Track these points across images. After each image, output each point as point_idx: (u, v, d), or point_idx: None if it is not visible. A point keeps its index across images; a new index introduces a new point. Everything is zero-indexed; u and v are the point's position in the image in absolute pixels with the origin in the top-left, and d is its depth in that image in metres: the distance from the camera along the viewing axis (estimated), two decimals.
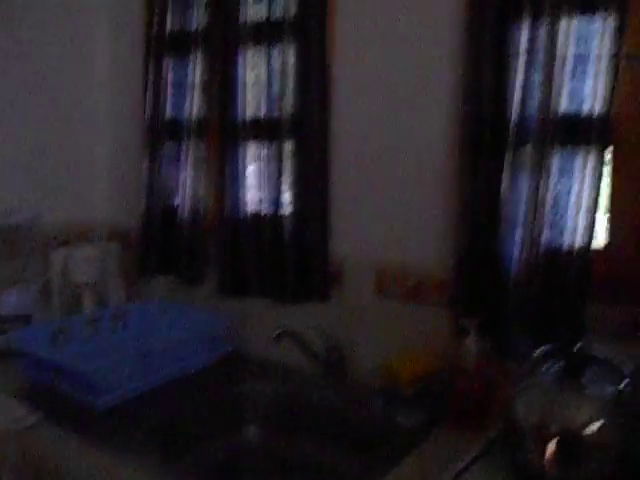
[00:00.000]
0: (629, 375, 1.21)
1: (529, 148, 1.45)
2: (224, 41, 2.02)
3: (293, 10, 1.87)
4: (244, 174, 2.01)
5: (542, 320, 1.47)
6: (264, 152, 1.98)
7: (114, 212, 2.50)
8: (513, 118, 1.48)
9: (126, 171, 2.41)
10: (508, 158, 1.48)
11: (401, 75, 1.71)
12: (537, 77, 1.45)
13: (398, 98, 1.72)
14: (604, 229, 1.50)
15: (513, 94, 1.47)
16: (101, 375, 1.56)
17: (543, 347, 1.34)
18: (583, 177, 1.42)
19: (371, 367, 1.73)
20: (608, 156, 1.45)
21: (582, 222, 1.44)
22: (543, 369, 1.27)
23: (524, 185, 1.47)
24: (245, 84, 1.99)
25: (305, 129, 1.85)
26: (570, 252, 1.45)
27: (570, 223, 1.45)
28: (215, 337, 1.96)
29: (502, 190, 1.49)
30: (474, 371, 1.53)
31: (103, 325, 1.98)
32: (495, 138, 1.50)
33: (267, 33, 1.93)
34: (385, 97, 1.75)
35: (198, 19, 2.12)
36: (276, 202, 1.95)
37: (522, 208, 1.48)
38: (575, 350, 1.27)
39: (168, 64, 2.20)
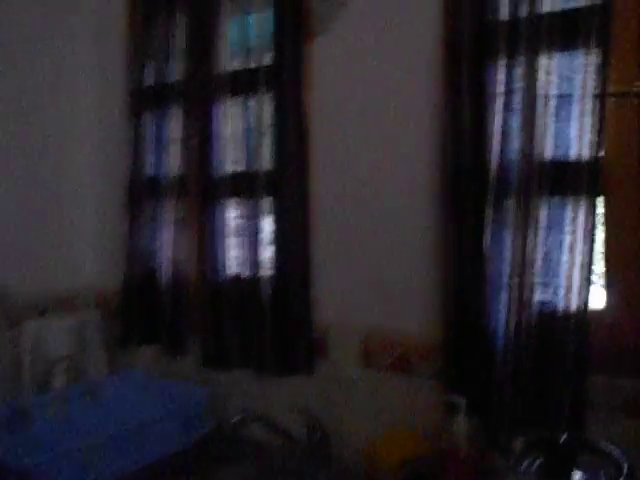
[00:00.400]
0: (626, 468, 1.10)
1: (513, 199, 1.39)
2: (202, 93, 2.02)
3: (268, 59, 1.86)
4: (224, 234, 1.99)
5: (535, 397, 1.37)
6: (243, 210, 1.95)
7: (98, 277, 2.48)
8: (493, 167, 1.42)
9: (110, 233, 2.40)
10: (490, 211, 1.42)
11: (381, 127, 1.70)
12: (517, 120, 1.41)
13: (378, 152, 1.71)
14: (602, 288, 1.41)
15: (492, 140, 1.41)
16: (40, 470, 1.49)
17: (526, 437, 1.23)
18: (574, 230, 1.36)
19: (356, 448, 1.65)
20: (600, 206, 1.37)
21: (577, 280, 1.37)
22: (526, 464, 1.17)
23: (509, 241, 1.40)
24: (223, 138, 1.98)
25: (283, 186, 1.83)
26: (565, 316, 1.38)
27: (564, 282, 1.38)
28: (194, 415, 1.90)
29: (485, 248, 1.41)
30: (464, 456, 1.44)
31: (72, 404, 1.94)
32: (476, 190, 1.44)
33: (243, 84, 1.92)
34: (365, 151, 1.74)
35: (177, 71, 2.12)
36: (256, 264, 1.91)
37: (508, 267, 1.41)
38: (562, 440, 1.16)
39: (148, 119, 2.20)
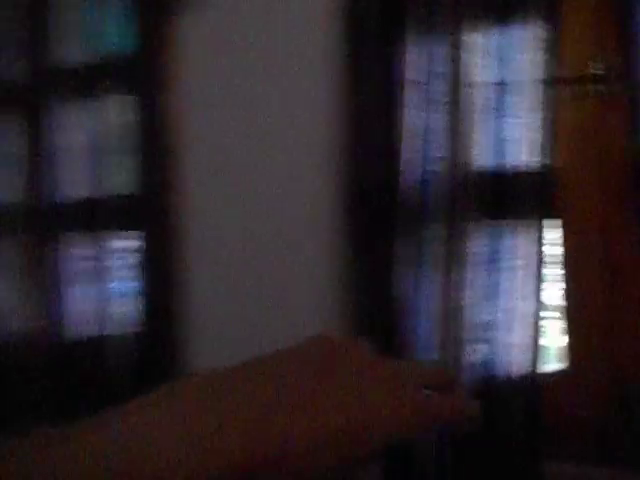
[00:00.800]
0: None
1: (433, 226, 1.13)
2: (37, 96, 1.73)
3: (122, 49, 1.62)
4: (68, 280, 1.70)
5: None
6: (93, 248, 1.67)
7: None
8: (406, 183, 1.15)
9: None
10: (403, 244, 1.14)
11: (269, 130, 1.46)
12: (438, 117, 1.14)
13: (266, 165, 1.46)
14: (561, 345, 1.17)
15: (404, 146, 1.15)
16: None
17: None
18: (520, 265, 1.13)
19: None
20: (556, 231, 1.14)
21: (524, 334, 1.12)
22: None
23: (430, 283, 1.14)
24: (65, 153, 1.70)
25: (145, 215, 1.59)
26: (510, 383, 1.14)
27: (506, 337, 1.13)
28: None
29: (398, 294, 1.15)
30: None
31: None
32: (385, 215, 1.17)
33: (90, 81, 1.67)
34: (250, 165, 1.48)
35: (4, 69, 1.83)
36: (111, 320, 1.65)
37: (429, 320, 1.15)
38: None
39: None
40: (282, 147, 1.42)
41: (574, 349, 1.15)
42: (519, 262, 1.12)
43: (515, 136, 1.11)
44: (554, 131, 1.09)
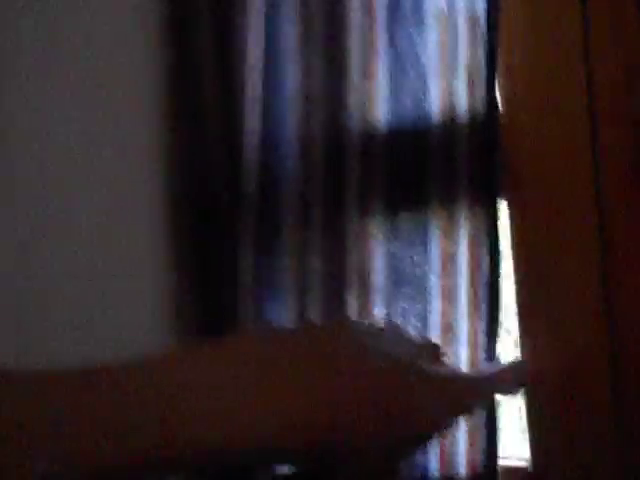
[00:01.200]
0: None
1: (294, 226, 0.70)
2: None
3: None
4: None
5: None
6: None
7: None
8: (250, 155, 0.71)
9: None
10: (249, 256, 0.71)
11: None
12: (300, 44, 0.70)
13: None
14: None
15: (245, 98, 0.71)
16: None
17: None
18: (452, 286, 0.71)
19: None
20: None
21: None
22: None
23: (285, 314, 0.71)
24: None
25: None
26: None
27: None
28: None
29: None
30: None
31: None
32: (227, 212, 0.73)
33: None
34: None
35: None
36: None
37: None
38: None
39: None
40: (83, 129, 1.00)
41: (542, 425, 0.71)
42: (452, 276, 0.69)
43: (430, 66, 0.68)
44: (494, 50, 0.65)
